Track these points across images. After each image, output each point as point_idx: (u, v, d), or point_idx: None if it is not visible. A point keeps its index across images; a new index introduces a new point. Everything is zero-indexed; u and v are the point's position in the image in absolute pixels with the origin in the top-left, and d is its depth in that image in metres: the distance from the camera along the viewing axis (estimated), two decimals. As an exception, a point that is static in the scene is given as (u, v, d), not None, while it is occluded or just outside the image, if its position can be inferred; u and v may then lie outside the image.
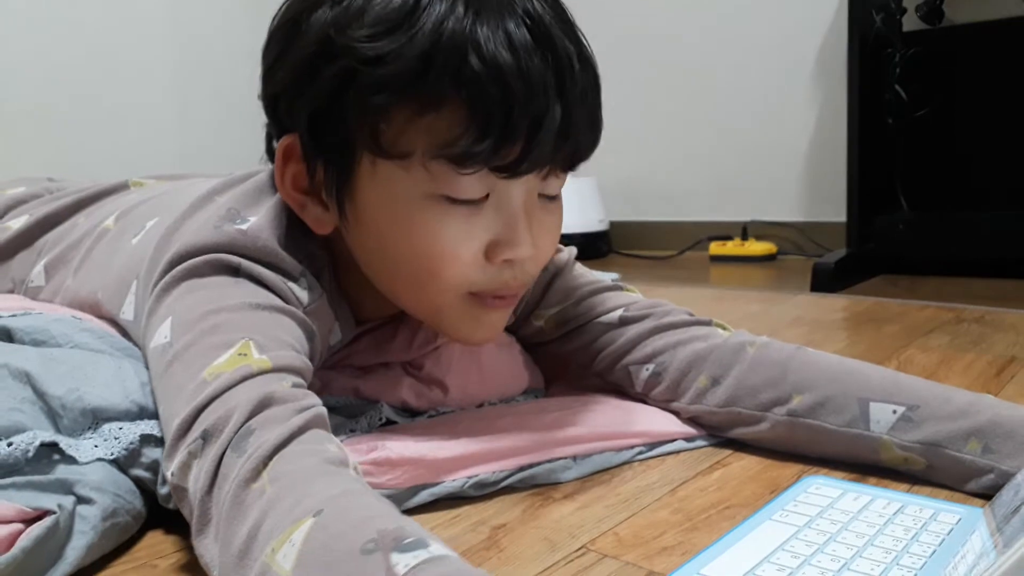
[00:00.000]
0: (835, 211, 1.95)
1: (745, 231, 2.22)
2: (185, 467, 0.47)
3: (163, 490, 0.55)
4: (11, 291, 0.86)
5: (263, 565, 0.39)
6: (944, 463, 0.58)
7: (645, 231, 2.46)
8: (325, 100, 0.56)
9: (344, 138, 0.57)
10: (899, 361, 0.94)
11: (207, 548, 0.44)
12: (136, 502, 0.55)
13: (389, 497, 0.57)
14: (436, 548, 0.37)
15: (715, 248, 2.22)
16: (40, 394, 0.57)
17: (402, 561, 0.36)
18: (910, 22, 1.76)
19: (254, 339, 0.52)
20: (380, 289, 0.64)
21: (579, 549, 0.52)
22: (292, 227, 0.63)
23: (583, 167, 0.62)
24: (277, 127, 0.62)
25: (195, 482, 0.46)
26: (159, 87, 2.16)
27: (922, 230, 1.67)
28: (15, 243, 0.86)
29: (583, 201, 2.31)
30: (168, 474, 0.48)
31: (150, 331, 0.58)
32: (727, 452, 0.68)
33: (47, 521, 0.48)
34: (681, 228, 2.38)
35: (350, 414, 0.69)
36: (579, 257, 0.82)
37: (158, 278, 0.60)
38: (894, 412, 0.61)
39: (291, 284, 0.61)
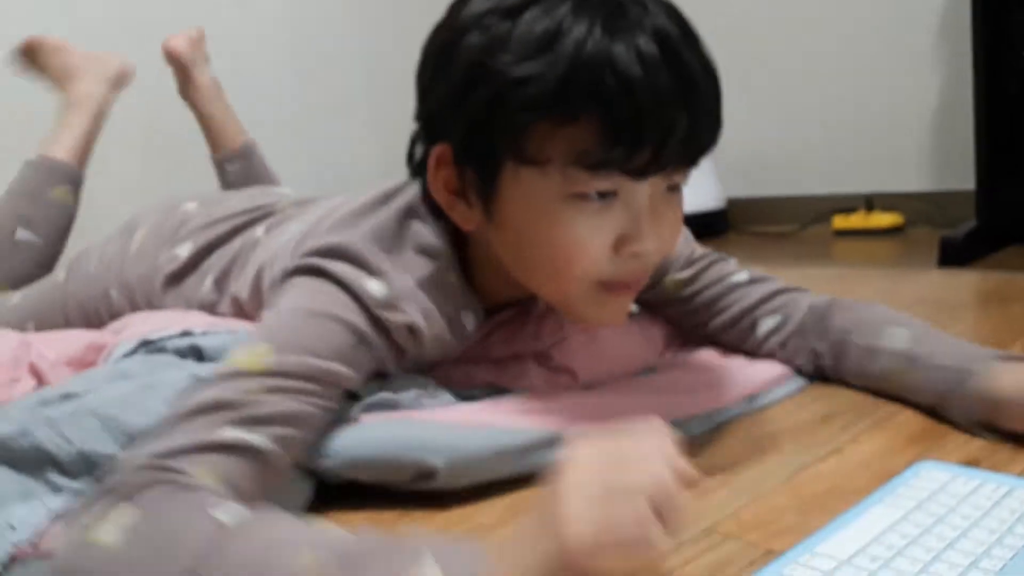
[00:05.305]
0: (965, 179, 1.89)
1: (870, 202, 2.16)
2: None
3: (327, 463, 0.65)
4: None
5: None
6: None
7: (765, 206, 2.44)
8: (477, 117, 0.63)
9: (491, 148, 0.64)
10: (1022, 344, 0.95)
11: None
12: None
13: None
14: None
15: (839, 221, 2.17)
16: None
17: None
18: (1040, -20, 1.69)
19: (275, 342, 0.61)
20: (517, 278, 0.72)
21: (704, 530, 0.58)
22: (397, 235, 0.72)
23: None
24: (430, 137, 0.71)
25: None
26: (279, 93, 2.28)
27: (1056, 198, 1.61)
28: (185, 269, 0.98)
29: (698, 180, 2.28)
30: None
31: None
32: (844, 438, 0.72)
33: None
34: (802, 202, 2.34)
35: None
36: (697, 237, 0.94)
37: (285, 270, 0.71)
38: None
39: (365, 279, 0.68)
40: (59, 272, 1.13)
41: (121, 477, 0.51)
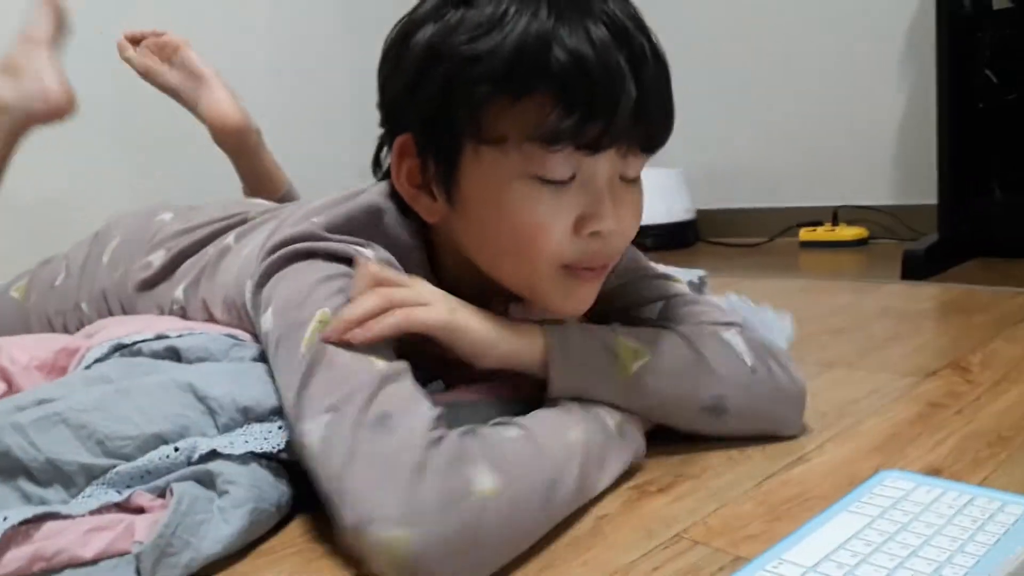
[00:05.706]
0: (928, 194, 1.93)
1: (835, 216, 2.21)
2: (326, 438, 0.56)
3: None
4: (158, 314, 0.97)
5: None
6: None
7: (733, 218, 2.47)
8: (434, 99, 0.65)
9: (451, 130, 0.66)
10: (983, 354, 0.97)
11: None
12: (273, 494, 0.63)
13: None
14: None
15: (805, 234, 2.21)
16: (201, 398, 0.68)
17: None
18: (1001, 0, 1.73)
19: (331, 306, 0.62)
20: (483, 267, 0.72)
21: (673, 537, 0.59)
22: (368, 226, 0.72)
23: (668, 156, 0.69)
24: (392, 130, 0.71)
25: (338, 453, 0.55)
26: (273, 96, 2.26)
27: (1016, 213, 1.66)
28: (157, 277, 0.97)
29: (668, 191, 2.33)
30: (302, 439, 0.58)
31: (257, 321, 0.70)
32: (810, 447, 0.73)
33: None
34: (770, 214, 2.38)
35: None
36: (666, 247, 0.89)
37: (255, 275, 0.71)
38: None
39: (360, 247, 0.69)
40: (11, 291, 1.09)
41: (435, 449, 0.54)
